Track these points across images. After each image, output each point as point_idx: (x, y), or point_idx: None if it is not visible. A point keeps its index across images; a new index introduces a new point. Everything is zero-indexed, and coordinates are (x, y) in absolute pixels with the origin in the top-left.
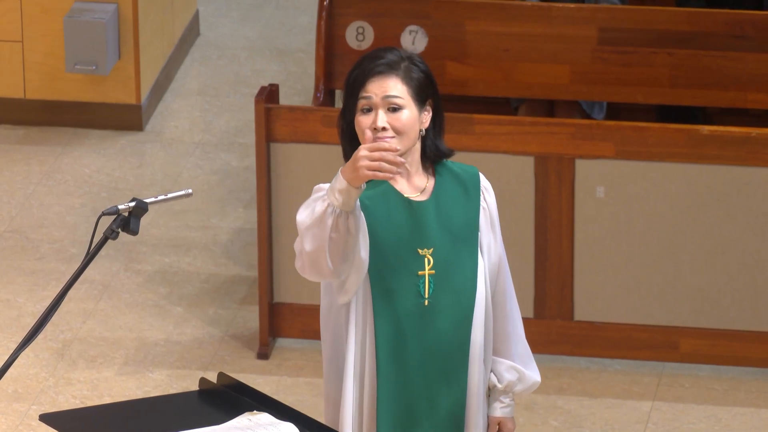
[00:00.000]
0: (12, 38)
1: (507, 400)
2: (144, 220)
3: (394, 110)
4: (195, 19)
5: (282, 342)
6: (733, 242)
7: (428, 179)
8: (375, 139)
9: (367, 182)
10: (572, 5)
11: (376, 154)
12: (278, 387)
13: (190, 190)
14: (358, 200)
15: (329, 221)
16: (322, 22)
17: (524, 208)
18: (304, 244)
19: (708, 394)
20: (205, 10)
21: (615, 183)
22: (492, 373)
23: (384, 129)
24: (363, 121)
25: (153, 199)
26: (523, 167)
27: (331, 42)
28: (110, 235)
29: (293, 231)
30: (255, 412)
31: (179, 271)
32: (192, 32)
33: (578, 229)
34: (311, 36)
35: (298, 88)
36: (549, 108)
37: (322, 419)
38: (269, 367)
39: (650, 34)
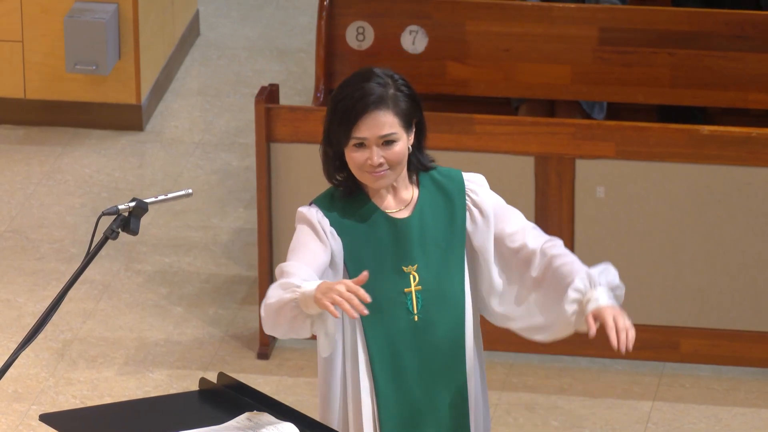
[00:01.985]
0: (12, 38)
1: (595, 294)
2: (144, 220)
3: (388, 143)
4: (195, 19)
5: (282, 342)
6: (734, 242)
7: (413, 192)
8: (372, 174)
9: (347, 198)
10: (573, 5)
11: (346, 294)
12: (278, 387)
13: (190, 190)
14: (333, 327)
15: (290, 314)
16: (323, 22)
17: (524, 208)
18: (267, 311)
19: (708, 394)
20: (206, 10)
21: (615, 183)
22: (566, 303)
23: (380, 165)
24: (357, 157)
25: (153, 199)
26: (524, 167)
27: (331, 42)
28: (110, 235)
29: (293, 231)
30: (255, 412)
31: (179, 271)
32: (192, 32)
33: (578, 229)
34: (311, 36)
35: (299, 88)
36: (549, 108)
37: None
38: (269, 367)
39: (651, 34)
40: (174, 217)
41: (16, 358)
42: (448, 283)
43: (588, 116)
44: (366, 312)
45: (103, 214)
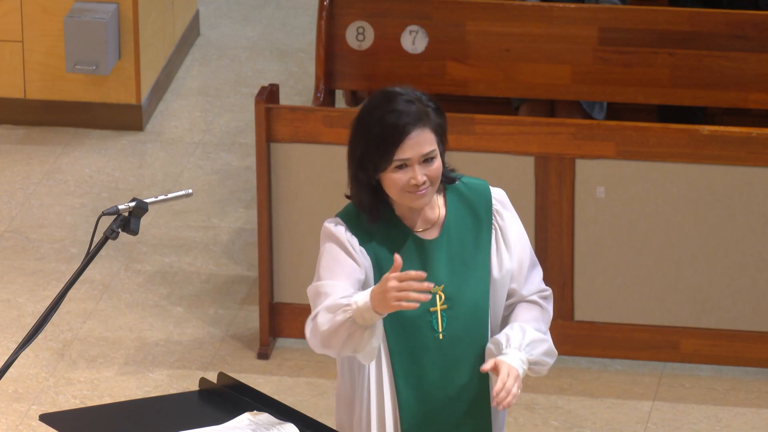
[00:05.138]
0: (12, 38)
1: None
2: (144, 220)
3: (428, 161)
4: (195, 20)
5: (282, 342)
6: (734, 242)
7: (440, 210)
8: (415, 193)
9: (371, 214)
10: (573, 5)
11: (404, 284)
12: (278, 387)
13: (190, 190)
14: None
15: (346, 333)
16: (323, 22)
17: (525, 208)
18: (321, 337)
19: (708, 394)
20: (206, 11)
21: (615, 183)
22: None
23: (423, 183)
24: (399, 178)
25: (153, 199)
26: (524, 167)
27: (331, 42)
28: (110, 235)
29: (293, 231)
30: (255, 412)
31: (179, 271)
32: (192, 32)
33: (579, 229)
34: (312, 36)
35: (299, 88)
36: (550, 108)
37: (322, 419)
38: (269, 367)
39: (651, 35)
40: (174, 217)
41: (16, 358)
42: (473, 300)
43: (588, 116)
44: (431, 289)
45: (103, 214)
